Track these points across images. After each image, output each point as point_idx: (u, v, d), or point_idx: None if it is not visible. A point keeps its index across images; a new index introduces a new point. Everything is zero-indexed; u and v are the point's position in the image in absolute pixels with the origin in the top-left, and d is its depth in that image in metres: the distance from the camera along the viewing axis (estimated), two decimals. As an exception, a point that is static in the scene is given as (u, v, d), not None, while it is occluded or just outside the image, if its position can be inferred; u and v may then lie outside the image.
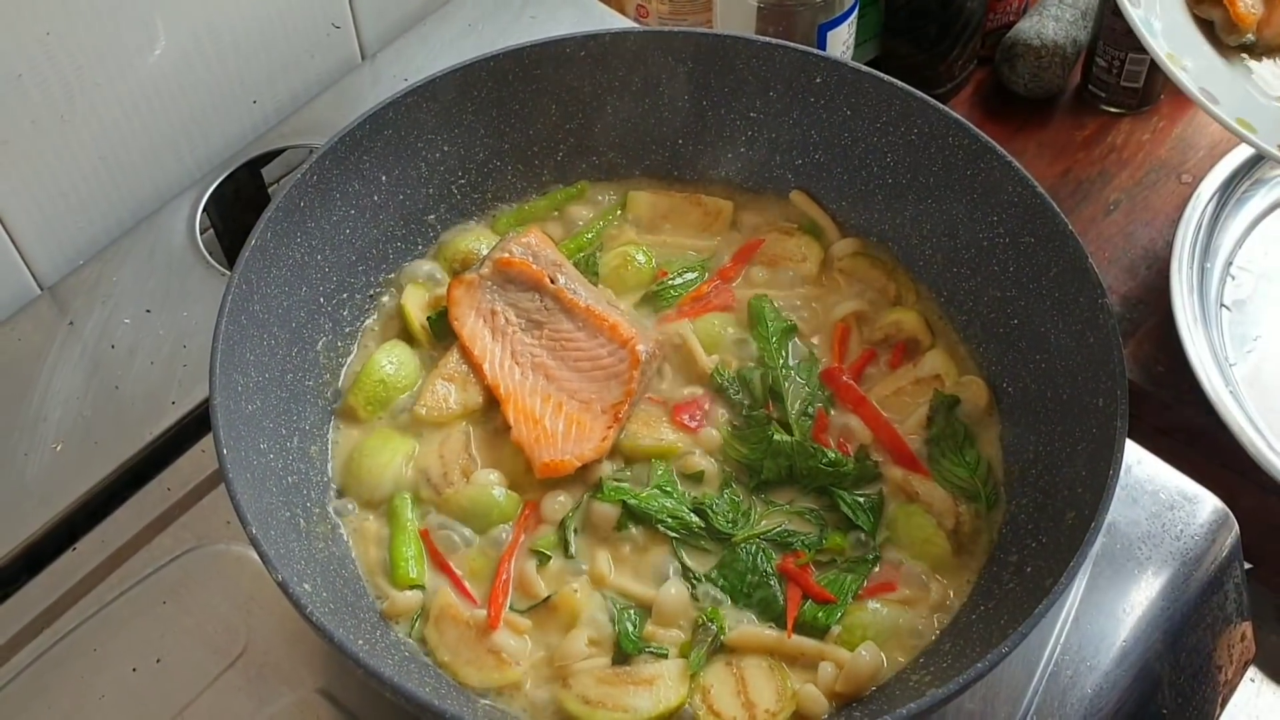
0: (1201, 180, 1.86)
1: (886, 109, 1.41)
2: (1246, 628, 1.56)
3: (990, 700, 1.32)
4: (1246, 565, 1.83)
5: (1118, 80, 2.01)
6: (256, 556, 1.06)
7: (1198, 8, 1.51)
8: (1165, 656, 1.40)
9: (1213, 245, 1.84)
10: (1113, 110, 2.07)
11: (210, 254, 1.60)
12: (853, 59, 1.74)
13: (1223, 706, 1.54)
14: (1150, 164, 2.03)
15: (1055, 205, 1.29)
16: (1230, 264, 1.86)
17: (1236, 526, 1.46)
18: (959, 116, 1.36)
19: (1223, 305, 1.81)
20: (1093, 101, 2.07)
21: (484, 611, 1.20)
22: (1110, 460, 1.13)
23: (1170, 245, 1.79)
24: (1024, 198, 1.32)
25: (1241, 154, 1.87)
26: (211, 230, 1.72)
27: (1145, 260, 1.90)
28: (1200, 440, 1.70)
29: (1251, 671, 1.67)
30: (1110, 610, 1.39)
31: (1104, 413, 1.18)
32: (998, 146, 1.34)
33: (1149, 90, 2.03)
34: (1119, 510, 1.43)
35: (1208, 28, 1.56)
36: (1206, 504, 1.45)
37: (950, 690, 1.00)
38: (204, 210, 1.67)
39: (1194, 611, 1.44)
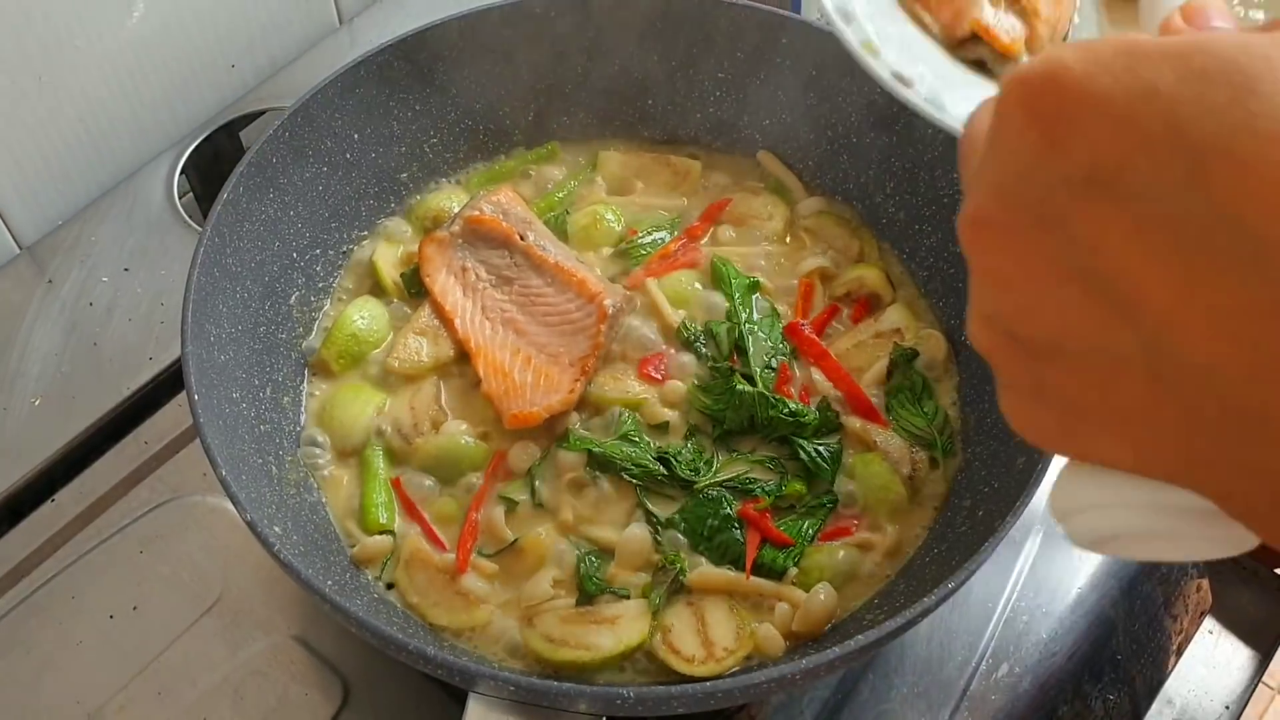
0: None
1: (851, 69, 1.43)
2: (1202, 580, 1.60)
3: (947, 645, 1.36)
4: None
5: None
6: (232, 508, 1.09)
7: (961, 51, 1.41)
8: (1119, 603, 1.44)
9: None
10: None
11: (190, 217, 1.62)
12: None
13: (1178, 655, 1.58)
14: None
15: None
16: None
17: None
18: (919, 75, 1.39)
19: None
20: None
21: (453, 556, 1.23)
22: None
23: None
24: (982, 154, 1.35)
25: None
26: (191, 194, 1.74)
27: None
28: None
29: (1210, 623, 1.70)
30: (1066, 560, 1.43)
31: (1054, 361, 1.21)
32: (957, 104, 1.37)
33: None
34: (1076, 463, 1.46)
35: (981, 67, 1.51)
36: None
37: (898, 624, 1.03)
38: (183, 173, 1.69)
39: (1149, 560, 1.48)
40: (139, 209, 1.63)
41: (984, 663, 1.35)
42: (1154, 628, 1.52)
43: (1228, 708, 1.66)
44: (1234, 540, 0.63)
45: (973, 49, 1.47)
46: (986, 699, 1.34)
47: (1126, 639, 1.47)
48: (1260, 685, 1.73)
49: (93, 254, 1.58)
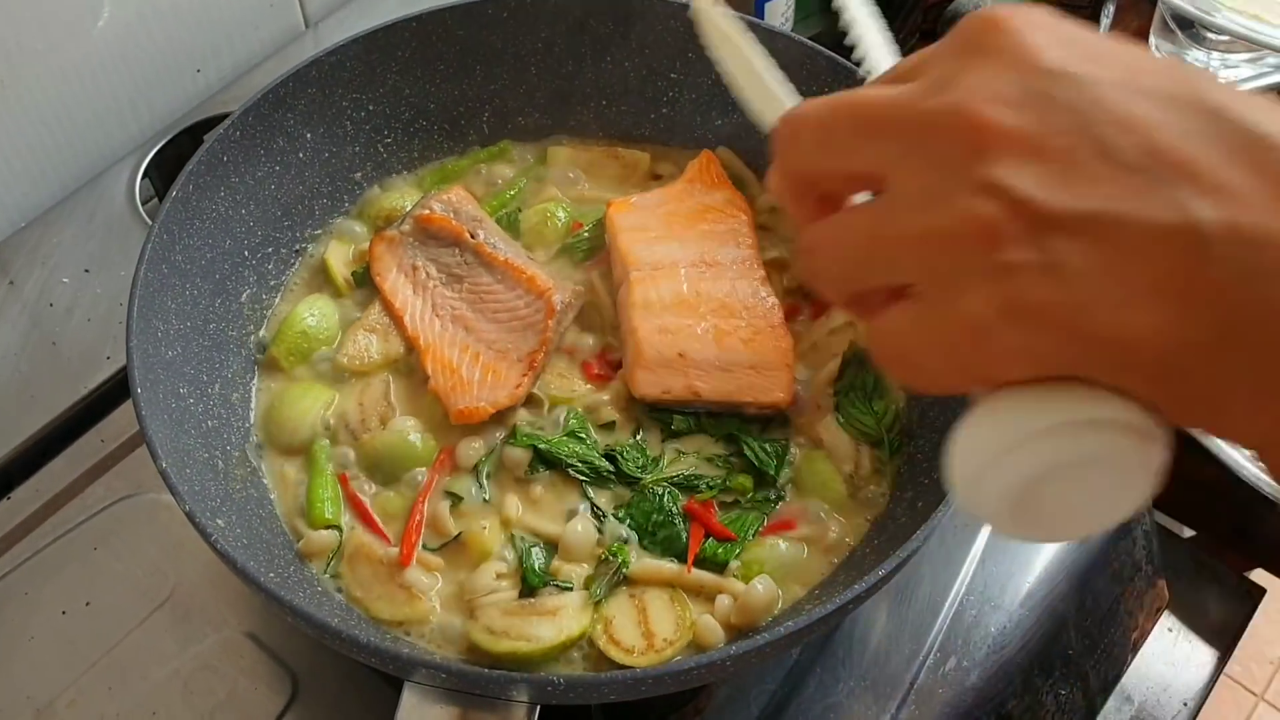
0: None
1: (800, 72, 1.44)
2: (1159, 578, 1.60)
3: (895, 638, 1.37)
4: (1188, 533, 1.87)
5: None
6: (184, 508, 1.10)
7: None
8: (1070, 598, 1.45)
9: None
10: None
11: (152, 219, 1.63)
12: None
13: (1134, 651, 1.59)
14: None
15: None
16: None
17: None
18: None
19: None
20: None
21: (397, 550, 1.24)
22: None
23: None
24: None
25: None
26: (156, 199, 1.75)
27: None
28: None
29: (1169, 620, 1.71)
30: (1016, 554, 1.44)
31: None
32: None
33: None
34: (1027, 458, 1.47)
35: None
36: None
37: (827, 610, 1.04)
38: (146, 177, 1.71)
39: (1100, 556, 1.49)
40: (101, 212, 1.65)
41: (931, 656, 1.36)
42: (1108, 624, 1.52)
43: (1186, 704, 1.66)
44: (1148, 463, 0.63)
45: None
46: (934, 692, 1.34)
47: (1078, 634, 1.48)
48: (1224, 683, 1.73)
49: (54, 255, 1.60)
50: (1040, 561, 1.44)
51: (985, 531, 1.44)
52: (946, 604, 1.39)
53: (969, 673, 1.36)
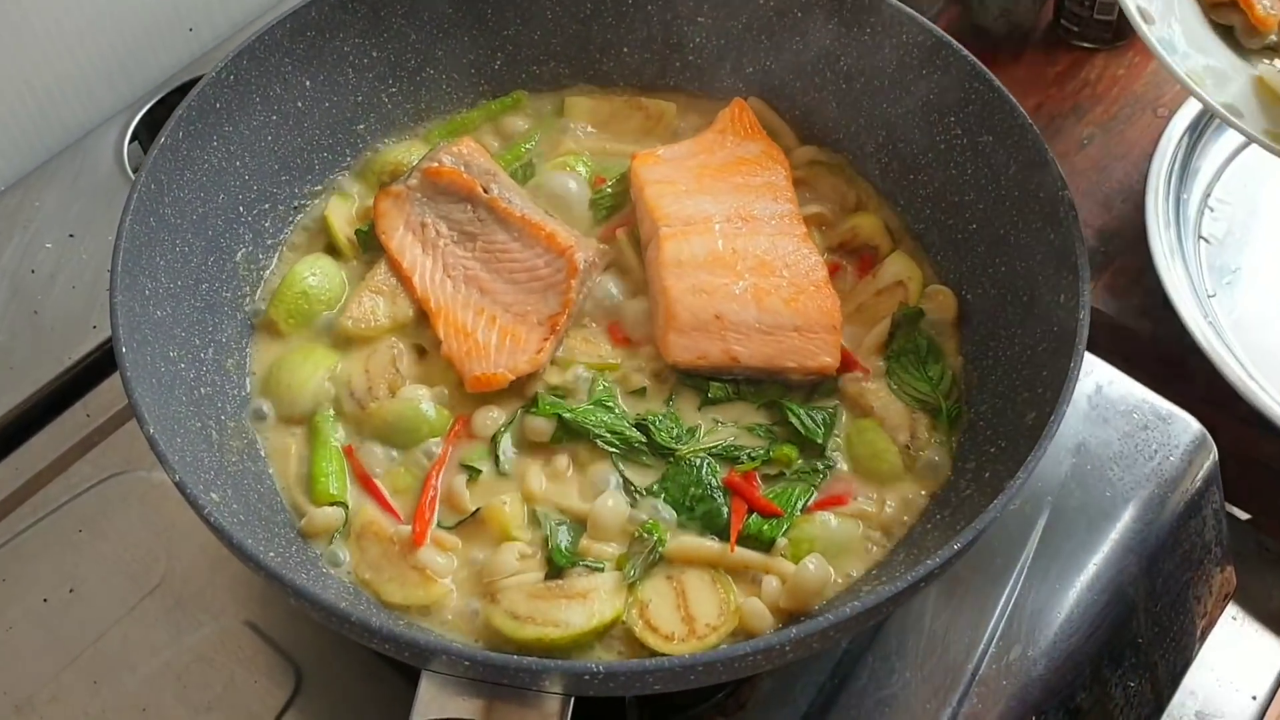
0: (1175, 113, 1.80)
1: (839, 10, 1.34)
2: (1227, 560, 1.49)
3: (952, 625, 1.25)
4: (1244, 516, 1.75)
5: (1090, 14, 1.94)
6: (178, 483, 0.99)
7: (1214, 13, 1.45)
8: (1140, 582, 1.33)
9: (1189, 178, 1.78)
10: (1086, 45, 2.00)
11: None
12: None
13: (1202, 640, 1.47)
14: (1125, 99, 1.96)
15: (1014, 99, 1.22)
16: (1208, 196, 1.80)
17: (1215, 451, 1.39)
18: (911, 11, 1.29)
19: (1201, 238, 1.74)
20: (1065, 37, 2.00)
21: (409, 528, 1.13)
22: (1072, 351, 1.06)
23: (1144, 177, 1.73)
24: (981, 94, 1.25)
25: (1216, 86, 1.80)
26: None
27: (1120, 194, 1.83)
28: (1177, 373, 1.64)
29: (1233, 609, 1.60)
30: (1080, 533, 1.32)
31: (1065, 307, 1.11)
32: (953, 41, 1.27)
33: (1123, 24, 1.96)
34: (1090, 430, 1.36)
35: (1227, 32, 1.50)
36: (1183, 425, 1.39)
37: (897, 589, 0.93)
38: (136, 139, 1.60)
39: (1170, 536, 1.37)
40: (86, 174, 1.54)
41: (994, 645, 1.25)
42: (1178, 610, 1.41)
43: (1254, 698, 1.55)
44: None
45: (1226, 14, 1.43)
46: (997, 684, 1.23)
47: (1148, 621, 1.36)
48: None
49: (36, 219, 1.49)
50: (1107, 541, 1.33)
51: (1046, 511, 1.32)
52: (1007, 587, 1.28)
53: (1035, 663, 1.24)
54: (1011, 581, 1.28)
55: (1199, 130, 1.79)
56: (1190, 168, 1.78)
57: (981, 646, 1.25)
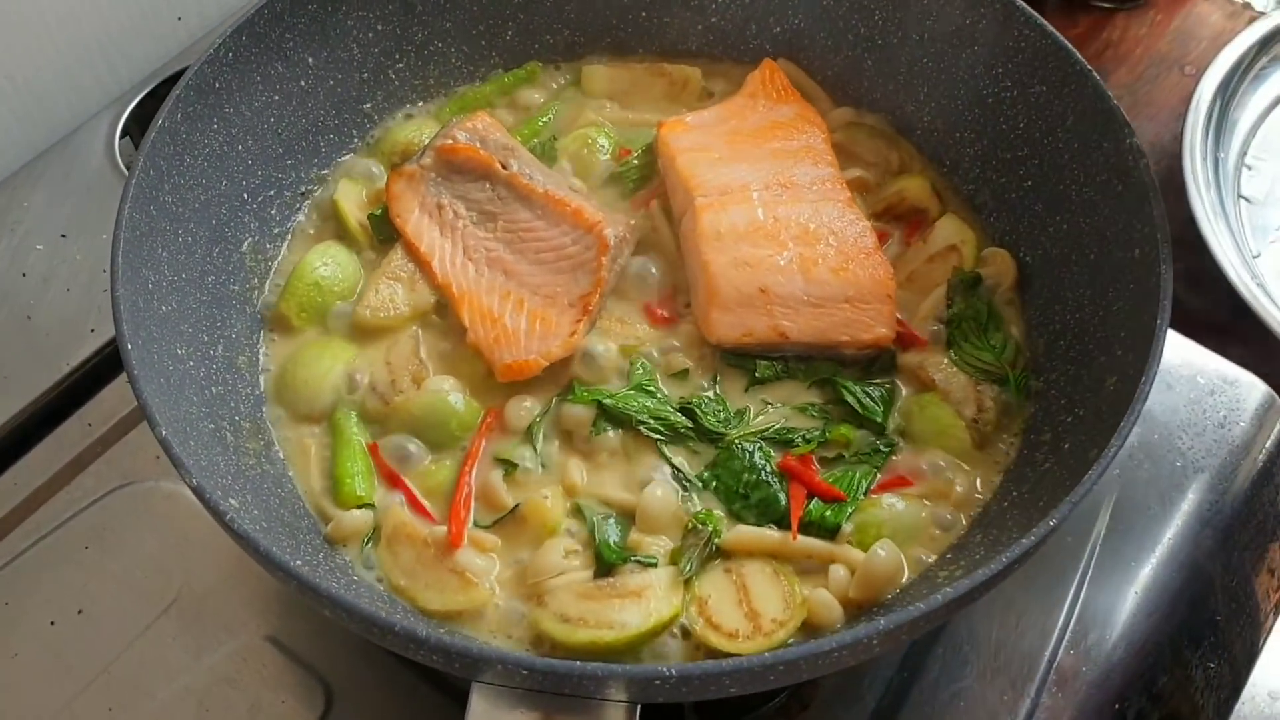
0: (1205, 71, 1.72)
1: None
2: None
3: (1022, 611, 1.17)
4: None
5: (1108, -27, 1.87)
6: (189, 492, 0.90)
7: None
8: (1217, 556, 1.25)
9: (1224, 137, 1.70)
10: (1105, 5, 1.92)
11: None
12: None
13: (1276, 615, 1.39)
14: (1150, 58, 1.89)
15: (1069, 44, 1.14)
16: (1245, 154, 1.72)
17: (1287, 412, 1.31)
18: (953, -45, 1.21)
19: (1241, 197, 1.67)
20: (1084, -2, 1.92)
21: (444, 529, 1.04)
22: (1156, 310, 0.98)
23: (1179, 139, 1.65)
24: (1032, 41, 1.17)
25: (1245, 41, 1.74)
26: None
27: (1154, 155, 1.75)
28: (1229, 338, 1.56)
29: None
30: (1152, 507, 1.24)
31: (1142, 263, 1.03)
32: (999, -15, 1.19)
33: (1142, -18, 1.90)
34: (1154, 397, 1.28)
35: None
36: (1250, 387, 1.31)
37: (993, 571, 0.85)
38: (127, 134, 1.51)
39: (1245, 506, 1.29)
40: (77, 171, 1.45)
41: (1069, 630, 1.16)
42: (1250, 584, 1.33)
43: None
44: None
45: None
46: (1075, 672, 1.15)
47: (1224, 597, 1.28)
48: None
49: (25, 220, 1.40)
50: (1180, 514, 1.25)
51: (1115, 489, 1.24)
52: (1079, 568, 1.20)
53: (1115, 647, 1.16)
54: (1084, 561, 1.20)
55: (1231, 87, 1.72)
56: (1226, 125, 1.71)
57: (1056, 632, 1.17)
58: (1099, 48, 1.89)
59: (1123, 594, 1.19)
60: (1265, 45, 1.73)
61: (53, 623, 1.14)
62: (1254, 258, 1.57)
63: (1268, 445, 1.30)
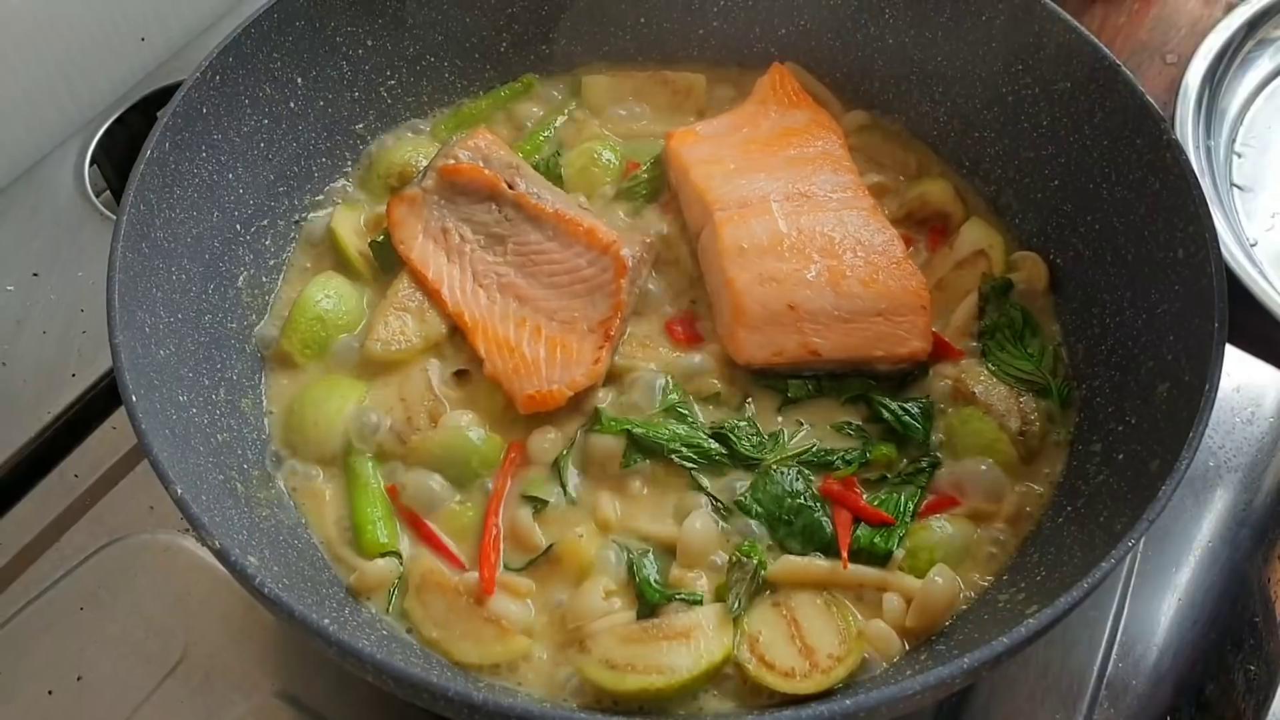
0: (1189, 60, 1.70)
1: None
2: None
3: (1068, 624, 1.12)
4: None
5: (1084, -38, 1.85)
6: (188, 544, 0.84)
7: None
8: (1255, 556, 1.22)
9: (1213, 125, 1.69)
10: (1083, -7, 1.90)
11: (109, 210, 1.37)
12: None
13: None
14: (1131, 47, 1.87)
15: (1095, 38, 1.11)
16: (1234, 142, 1.71)
17: (1309, 405, 1.28)
18: (969, -50, 1.17)
19: (1234, 185, 1.65)
20: (1063, -13, 1.90)
21: (474, 575, 0.98)
22: (1212, 313, 0.94)
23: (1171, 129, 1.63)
24: (1054, 35, 1.13)
25: (1229, 28, 1.73)
26: (109, 190, 1.48)
27: (1144, 145, 1.74)
28: (1232, 328, 1.54)
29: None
30: (1189, 509, 1.21)
31: (1188, 264, 1.00)
32: (1019, -21, 1.15)
33: (1119, -30, 1.87)
34: (1182, 396, 1.25)
35: None
36: (1272, 381, 1.28)
37: (1074, 599, 0.80)
38: (96, 164, 1.43)
39: (1277, 503, 1.26)
40: (45, 204, 1.37)
41: (1116, 643, 1.13)
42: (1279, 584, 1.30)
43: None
44: None
45: None
46: (1126, 685, 1.11)
47: (1260, 598, 1.25)
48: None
49: (-9, 261, 1.32)
50: (1216, 515, 1.21)
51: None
52: (1121, 577, 1.16)
53: (1162, 656, 1.13)
54: (1126, 571, 1.17)
55: (1218, 76, 1.70)
56: (1215, 113, 1.69)
57: (1103, 645, 1.13)
58: (1087, 34, 1.87)
59: (1166, 601, 1.16)
60: (1250, 31, 1.72)
61: (50, 692, 1.07)
62: (1252, 245, 1.55)
63: (1295, 440, 1.27)
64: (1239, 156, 1.68)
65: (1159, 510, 0.84)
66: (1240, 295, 1.41)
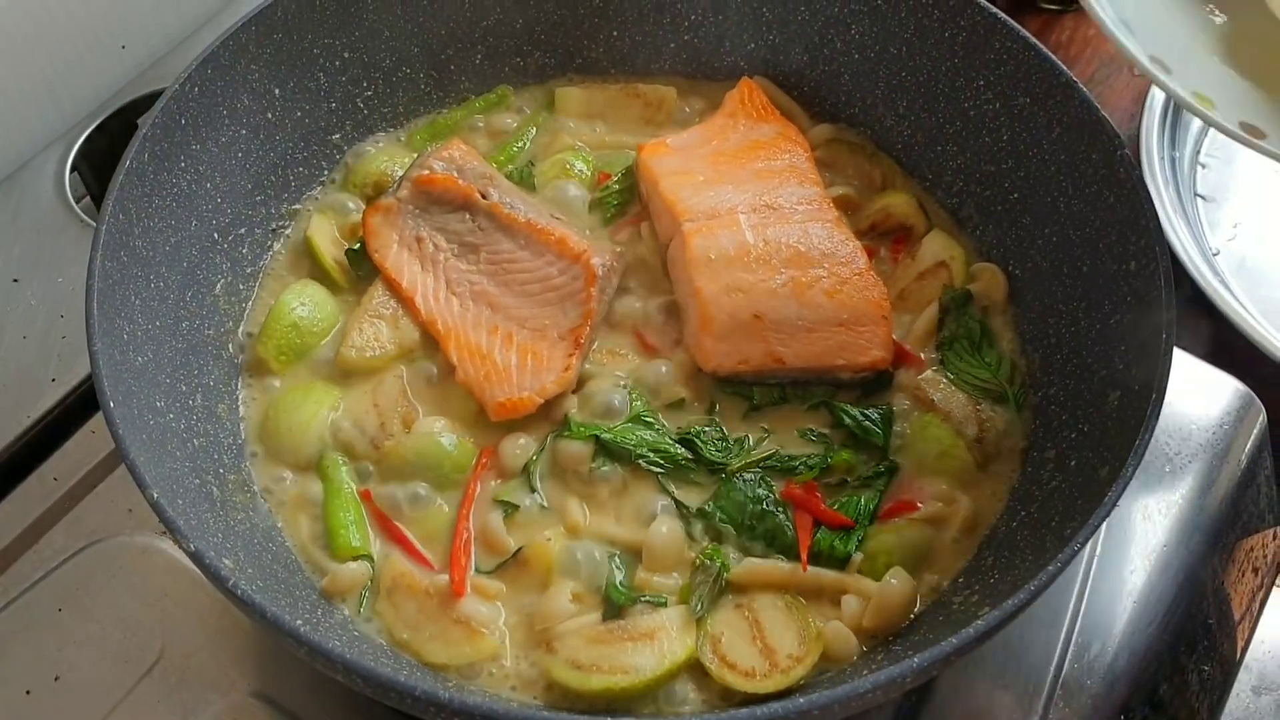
0: (1156, 73, 1.74)
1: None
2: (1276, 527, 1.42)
3: (1027, 624, 1.16)
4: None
5: (1054, -25, 1.89)
6: (165, 546, 0.86)
7: None
8: (1209, 559, 1.26)
9: (1178, 136, 1.72)
10: (1051, 7, 1.94)
11: (89, 217, 1.38)
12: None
13: (1259, 613, 1.40)
14: (1099, 59, 1.90)
15: (1053, 56, 1.14)
16: (1199, 153, 1.74)
17: (1264, 413, 1.32)
18: (932, -33, 1.20)
19: (1198, 195, 1.68)
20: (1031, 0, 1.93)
21: (445, 577, 1.01)
22: (1161, 324, 0.97)
23: (1136, 139, 1.67)
24: (1014, 53, 1.16)
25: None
26: (89, 196, 1.50)
27: (1110, 156, 1.77)
28: (1194, 336, 1.58)
29: None
30: (1143, 513, 1.24)
31: (1140, 276, 1.03)
32: (979, -2, 1.18)
33: (1087, -17, 1.90)
34: (1139, 403, 1.28)
35: None
36: (1225, 387, 1.31)
37: (1022, 599, 0.83)
38: (76, 171, 1.45)
39: (1231, 508, 1.29)
40: (26, 210, 1.39)
41: (1072, 644, 1.16)
42: (1237, 585, 1.33)
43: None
44: None
45: None
46: (1081, 685, 1.14)
47: (1215, 601, 1.29)
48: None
49: (-28, 266, 1.34)
50: (1172, 519, 1.25)
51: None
52: (1078, 579, 1.19)
53: (1117, 657, 1.16)
54: (1082, 573, 1.20)
55: (1183, 86, 1.73)
56: (1180, 124, 1.73)
57: (1059, 647, 1.16)
58: (1049, 49, 1.89)
59: (1121, 603, 1.18)
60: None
61: (28, 692, 1.09)
62: (1214, 255, 1.58)
63: (1248, 446, 1.30)
64: (1204, 167, 1.72)
65: (1104, 516, 0.87)
66: (1202, 304, 1.44)
